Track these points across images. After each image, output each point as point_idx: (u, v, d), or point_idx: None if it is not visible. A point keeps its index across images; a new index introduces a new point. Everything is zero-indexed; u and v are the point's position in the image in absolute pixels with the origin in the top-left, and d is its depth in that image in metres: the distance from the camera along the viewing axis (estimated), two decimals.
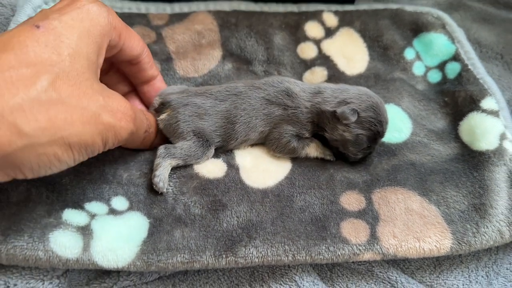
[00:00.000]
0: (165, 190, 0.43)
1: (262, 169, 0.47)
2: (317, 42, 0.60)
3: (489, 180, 0.46)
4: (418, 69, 0.60)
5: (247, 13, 0.61)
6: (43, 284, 0.40)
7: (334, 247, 0.41)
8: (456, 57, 0.58)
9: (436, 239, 0.42)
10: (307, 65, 0.59)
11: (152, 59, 0.48)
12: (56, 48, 0.33)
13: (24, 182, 0.40)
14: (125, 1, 0.61)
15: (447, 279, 0.45)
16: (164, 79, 0.53)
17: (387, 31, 0.61)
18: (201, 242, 0.40)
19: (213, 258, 0.40)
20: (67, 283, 0.41)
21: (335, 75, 0.58)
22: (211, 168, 0.46)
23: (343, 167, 0.48)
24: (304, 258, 0.40)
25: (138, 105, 0.50)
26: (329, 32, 0.61)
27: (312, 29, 0.61)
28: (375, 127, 0.46)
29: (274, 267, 0.44)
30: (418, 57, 0.60)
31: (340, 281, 0.44)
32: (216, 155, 0.48)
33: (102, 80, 0.51)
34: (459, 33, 0.61)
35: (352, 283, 0.44)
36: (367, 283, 0.44)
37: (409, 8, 0.63)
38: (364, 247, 0.41)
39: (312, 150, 0.48)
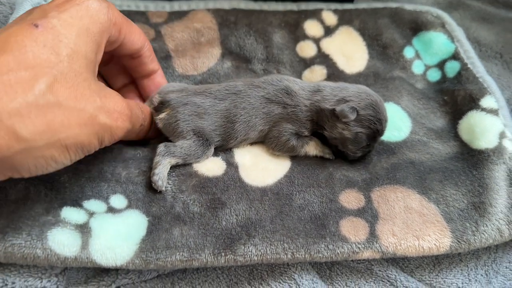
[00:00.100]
0: (164, 188, 0.43)
1: (261, 168, 0.47)
2: (317, 41, 0.60)
3: (488, 178, 0.46)
4: (417, 67, 0.59)
5: (246, 12, 0.61)
6: (41, 282, 0.40)
7: (333, 245, 0.41)
8: (455, 56, 0.58)
9: (435, 238, 0.42)
10: (307, 63, 0.59)
11: (153, 53, 0.48)
12: (54, 48, 0.33)
13: (22, 180, 0.40)
14: None
15: (446, 278, 0.45)
16: None
17: (386, 29, 0.61)
18: (200, 240, 0.40)
19: (212, 256, 0.39)
20: (66, 281, 0.41)
21: (335, 74, 0.57)
22: (210, 166, 0.46)
23: (342, 165, 0.48)
24: (303, 256, 0.40)
25: (135, 98, 0.50)
26: (329, 31, 0.61)
27: (312, 27, 0.61)
28: (375, 125, 0.46)
29: (273, 265, 0.43)
30: (417, 55, 0.60)
31: (339, 279, 0.44)
32: (215, 153, 0.47)
33: (102, 71, 0.50)
34: (459, 32, 0.61)
35: (351, 282, 0.44)
36: (366, 282, 0.44)
37: (408, 7, 0.63)
38: (363, 246, 0.41)
39: (312, 148, 0.48)
